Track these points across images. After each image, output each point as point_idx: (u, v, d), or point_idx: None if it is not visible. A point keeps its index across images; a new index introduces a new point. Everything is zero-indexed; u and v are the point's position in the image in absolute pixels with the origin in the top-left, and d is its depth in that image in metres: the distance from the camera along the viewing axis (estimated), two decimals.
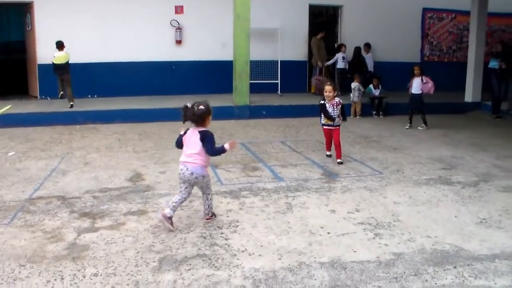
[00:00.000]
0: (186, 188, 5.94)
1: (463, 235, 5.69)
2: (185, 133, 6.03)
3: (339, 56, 17.31)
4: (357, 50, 17.70)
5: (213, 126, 12.50)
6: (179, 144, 6.08)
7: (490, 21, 19.81)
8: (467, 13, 17.28)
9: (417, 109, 13.21)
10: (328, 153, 9.58)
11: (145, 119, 13.50)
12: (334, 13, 19.24)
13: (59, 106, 14.39)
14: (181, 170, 5.93)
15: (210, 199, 6.15)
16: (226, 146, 6.03)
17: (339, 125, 9.23)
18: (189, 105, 5.95)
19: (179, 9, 16.80)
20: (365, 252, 5.17)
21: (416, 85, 12.96)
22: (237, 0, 14.04)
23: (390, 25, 18.57)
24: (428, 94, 13.05)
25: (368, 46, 18.06)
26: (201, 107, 5.90)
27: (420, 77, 12.90)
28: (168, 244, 5.34)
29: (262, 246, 5.31)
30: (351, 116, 14.84)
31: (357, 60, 17.54)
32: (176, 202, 5.87)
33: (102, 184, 7.72)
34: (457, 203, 6.88)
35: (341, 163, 9.02)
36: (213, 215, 6.21)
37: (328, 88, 9.03)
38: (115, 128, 12.66)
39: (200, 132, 5.91)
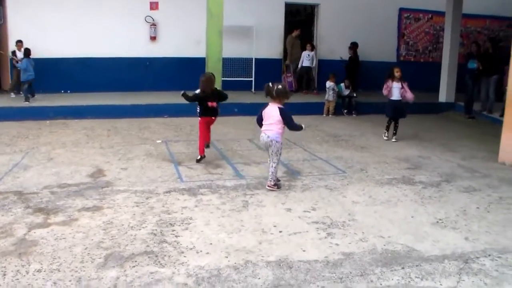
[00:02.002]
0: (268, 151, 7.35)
1: (417, 236, 5.67)
2: (264, 107, 7.44)
3: (304, 54, 17.28)
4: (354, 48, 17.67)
5: (183, 122, 12.68)
6: (260, 119, 7.50)
7: (466, 23, 19.93)
8: (443, 14, 17.29)
9: (399, 117, 11.47)
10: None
11: (116, 115, 13.37)
12: (312, 12, 19.18)
13: (30, 101, 14.25)
14: (262, 136, 7.39)
15: (275, 167, 7.30)
16: (303, 125, 7.62)
17: None
18: (270, 84, 7.35)
19: (154, 5, 16.67)
20: (314, 251, 5.13)
21: (397, 92, 11.26)
22: None
23: (366, 24, 18.54)
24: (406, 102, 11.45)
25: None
26: (280, 86, 7.35)
27: (399, 82, 11.28)
28: (117, 241, 5.28)
29: (211, 244, 5.26)
30: (324, 115, 14.84)
31: (352, 60, 17.52)
32: (271, 170, 7.30)
33: (62, 179, 7.62)
34: (416, 203, 6.88)
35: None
36: (276, 185, 7.32)
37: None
38: (85, 123, 12.53)
39: (279, 108, 7.28)
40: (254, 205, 6.56)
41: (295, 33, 17.54)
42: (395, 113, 11.42)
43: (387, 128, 11.57)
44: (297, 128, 7.47)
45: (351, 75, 16.61)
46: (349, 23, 18.40)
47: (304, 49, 17.46)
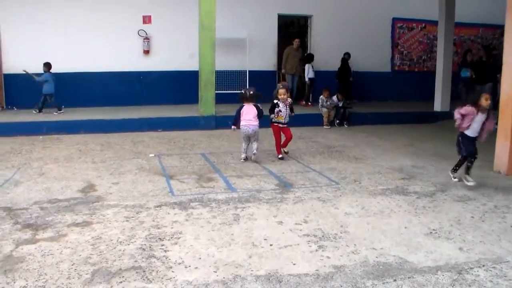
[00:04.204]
0: (246, 140, 10.01)
1: (410, 247, 5.59)
2: (241, 108, 10.00)
3: (309, 66, 17.24)
4: (344, 58, 17.61)
5: (177, 135, 12.63)
6: (238, 114, 10.00)
7: (460, 31, 19.93)
8: (436, 23, 17.30)
9: (476, 153, 8.42)
10: (279, 156, 10.28)
11: (110, 130, 13.31)
12: (305, 23, 19.17)
13: (24, 116, 14.19)
14: (245, 129, 9.89)
15: (258, 145, 10.02)
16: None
17: (287, 123, 10.39)
18: (243, 91, 10.20)
19: (147, 19, 16.68)
20: (304, 265, 5.04)
21: (478, 125, 8.36)
22: (202, 10, 13.93)
23: (360, 35, 18.58)
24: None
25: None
26: (251, 92, 10.04)
27: (485, 113, 8.34)
28: (105, 256, 5.19)
29: (200, 258, 5.17)
30: (324, 126, 14.82)
31: (343, 68, 17.48)
32: (243, 148, 10.11)
33: (53, 195, 7.54)
34: (410, 214, 6.79)
35: (282, 158, 10.23)
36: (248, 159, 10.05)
37: (281, 91, 10.18)
38: (78, 138, 12.47)
39: (255, 105, 10.02)
40: (245, 218, 6.47)
41: (296, 44, 17.48)
42: (474, 149, 8.43)
43: (458, 167, 8.70)
44: (262, 114, 10.05)
45: (342, 86, 16.58)
46: (343, 34, 18.44)
47: (307, 60, 17.44)
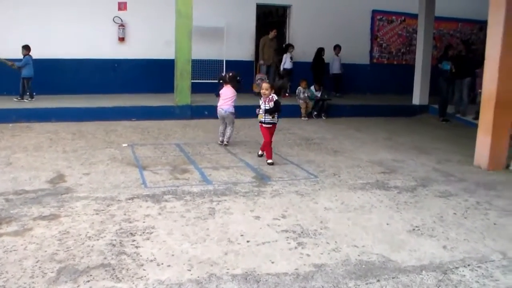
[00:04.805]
0: (223, 122, 10.35)
1: (393, 244, 5.38)
2: (219, 90, 10.46)
3: (286, 56, 16.97)
4: (318, 51, 17.31)
5: (151, 125, 12.32)
6: (218, 94, 10.44)
7: (439, 25, 19.80)
8: (416, 16, 17.15)
9: None
10: (260, 152, 9.49)
11: (82, 118, 12.92)
12: (284, 13, 18.88)
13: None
14: (219, 109, 10.25)
15: (232, 131, 10.44)
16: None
17: (275, 123, 9.18)
18: (223, 73, 10.78)
19: (122, 6, 16.22)
20: (283, 263, 4.79)
21: None
22: None
23: (339, 26, 18.32)
24: None
25: (337, 47, 17.88)
26: (231, 74, 10.63)
27: None
28: (72, 253, 4.89)
29: (173, 255, 4.89)
30: (302, 118, 14.57)
31: (316, 61, 17.18)
32: (220, 131, 10.45)
33: (20, 185, 7.19)
34: (391, 209, 6.59)
35: (271, 163, 8.84)
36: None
37: (265, 85, 9.13)
38: (49, 127, 12.07)
39: (232, 87, 10.37)
40: (221, 213, 6.21)
41: (272, 34, 17.16)
42: None
43: None
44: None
45: (316, 76, 16.34)
46: (322, 25, 18.15)
47: (283, 50, 17.17)
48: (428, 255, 5.12)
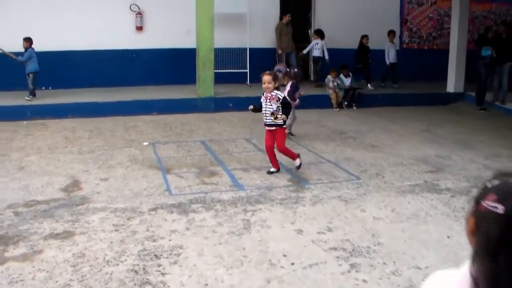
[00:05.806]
0: None
1: (459, 264, 4.56)
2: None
3: (313, 43, 16.12)
4: (361, 39, 16.34)
5: (173, 120, 11.58)
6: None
7: (471, 7, 18.80)
8: None
9: None
10: (271, 169, 7.56)
11: (100, 114, 12.23)
12: None
13: (5, 100, 13.04)
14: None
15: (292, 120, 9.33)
16: None
17: (281, 126, 7.46)
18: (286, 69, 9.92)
19: None
20: None
21: None
22: None
23: (367, 11, 17.42)
24: None
25: (391, 33, 16.81)
26: (296, 70, 10.16)
27: None
28: (88, 283, 4.18)
29: (206, 284, 4.15)
30: (334, 109, 13.74)
31: (359, 50, 16.24)
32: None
33: (31, 195, 6.51)
34: (449, 218, 5.80)
35: (270, 172, 7.52)
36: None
37: (265, 78, 7.34)
38: (65, 124, 11.37)
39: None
40: (257, 226, 5.44)
41: (286, 19, 16.21)
42: None
43: None
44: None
45: (363, 66, 15.49)
46: (349, 10, 17.27)
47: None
48: None
